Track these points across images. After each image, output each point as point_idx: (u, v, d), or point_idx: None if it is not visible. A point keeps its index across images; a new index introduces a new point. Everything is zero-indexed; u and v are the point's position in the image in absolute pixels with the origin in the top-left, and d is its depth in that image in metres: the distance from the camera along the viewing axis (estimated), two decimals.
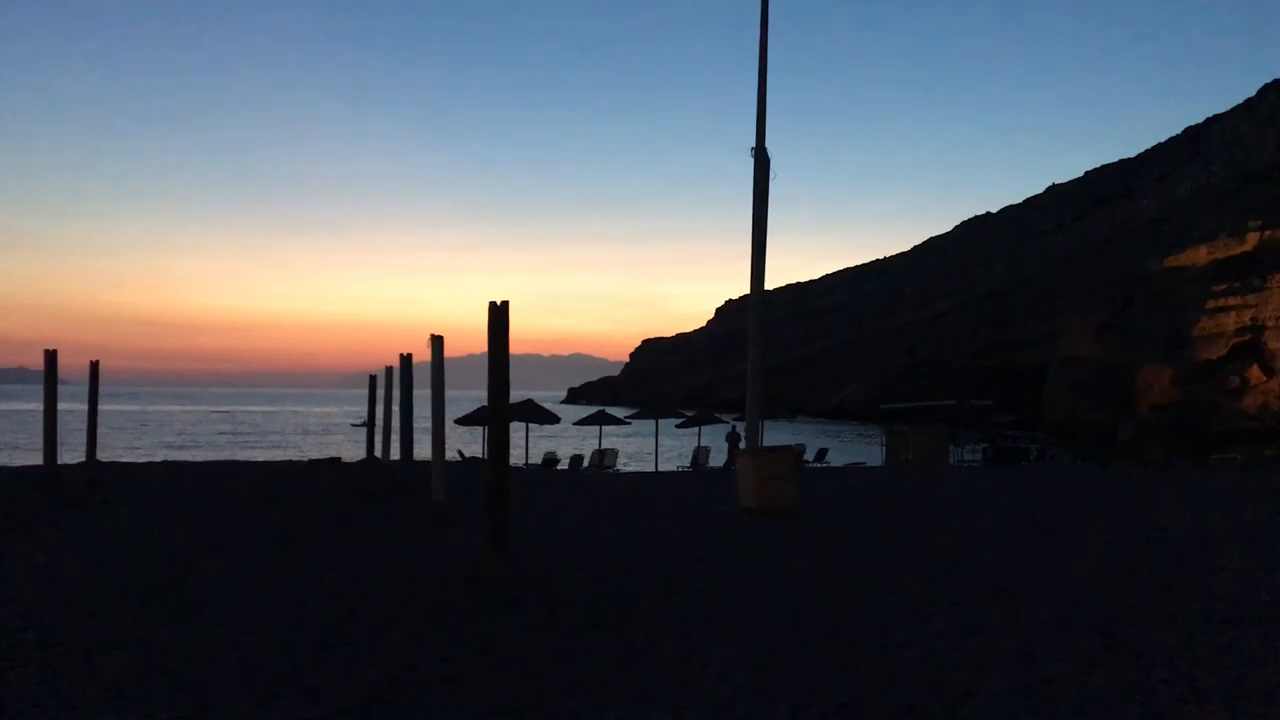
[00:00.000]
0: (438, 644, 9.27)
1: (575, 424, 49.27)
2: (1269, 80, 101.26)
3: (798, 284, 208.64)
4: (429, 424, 21.15)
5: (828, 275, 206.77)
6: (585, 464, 43.81)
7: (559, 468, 42.87)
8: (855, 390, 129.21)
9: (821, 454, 46.41)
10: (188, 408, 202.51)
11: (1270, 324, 68.43)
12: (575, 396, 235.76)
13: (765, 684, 7.98)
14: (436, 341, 19.96)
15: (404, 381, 24.67)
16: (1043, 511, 21.31)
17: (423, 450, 25.60)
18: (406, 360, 24.72)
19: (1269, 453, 47.65)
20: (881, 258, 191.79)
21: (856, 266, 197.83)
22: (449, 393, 21.30)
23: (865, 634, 9.71)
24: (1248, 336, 69.55)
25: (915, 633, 9.69)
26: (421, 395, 22.92)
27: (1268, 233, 72.01)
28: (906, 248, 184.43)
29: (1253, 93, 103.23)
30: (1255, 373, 68.25)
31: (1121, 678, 7.96)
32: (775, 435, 66.71)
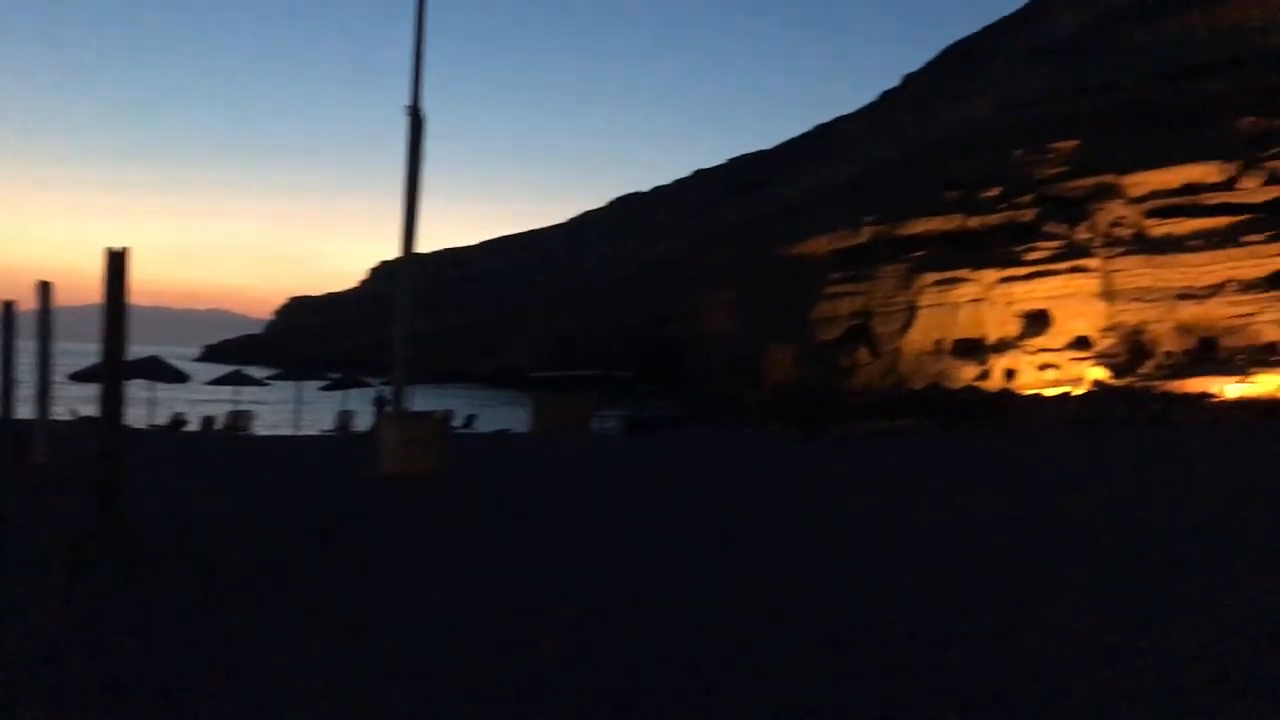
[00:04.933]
0: (39, 621, 8.39)
1: (208, 384, 46.30)
2: (888, 88, 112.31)
3: (456, 249, 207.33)
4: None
5: (487, 242, 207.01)
6: (218, 426, 41.38)
7: (188, 429, 40.16)
8: (510, 358, 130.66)
9: (469, 420, 46.59)
10: None
11: (878, 310, 76.30)
12: (214, 354, 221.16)
13: (412, 648, 7.88)
14: (43, 288, 18.02)
15: (4, 332, 22.04)
16: (672, 475, 22.55)
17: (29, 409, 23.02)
18: (9, 308, 22.10)
19: (885, 425, 52.94)
20: (539, 228, 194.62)
21: (515, 235, 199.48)
22: (65, 345, 19.32)
23: (508, 595, 9.83)
24: (860, 320, 77.21)
25: (557, 590, 9.94)
26: (28, 347, 20.60)
27: (880, 228, 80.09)
28: (563, 220, 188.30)
29: (874, 98, 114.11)
30: (864, 354, 75.93)
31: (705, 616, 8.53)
32: (426, 401, 65.94)
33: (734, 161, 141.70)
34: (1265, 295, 64.79)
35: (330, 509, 15.88)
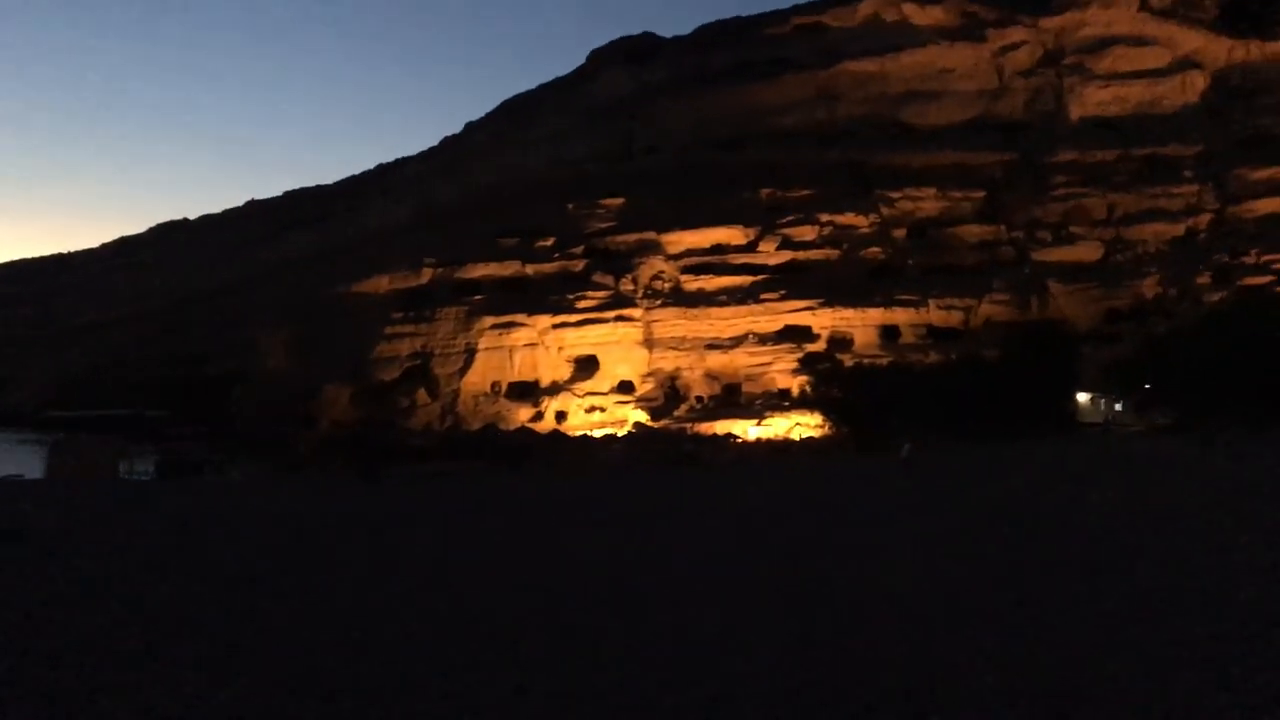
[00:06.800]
0: None
1: None
2: (448, 134, 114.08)
3: None
4: None
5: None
6: None
7: None
8: (25, 394, 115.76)
9: None
10: None
11: (438, 351, 76.70)
12: None
13: None
14: None
15: None
16: (198, 528, 21.04)
17: None
18: None
19: (429, 468, 52.74)
20: (66, 252, 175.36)
21: (35, 259, 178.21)
22: None
23: None
24: (419, 362, 77.14)
25: None
26: None
27: (440, 270, 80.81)
28: (95, 244, 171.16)
29: (435, 142, 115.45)
30: (422, 395, 75.91)
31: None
32: None
33: (291, 194, 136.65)
34: (779, 347, 73.19)
35: None
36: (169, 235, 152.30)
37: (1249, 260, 75.71)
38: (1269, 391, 42.29)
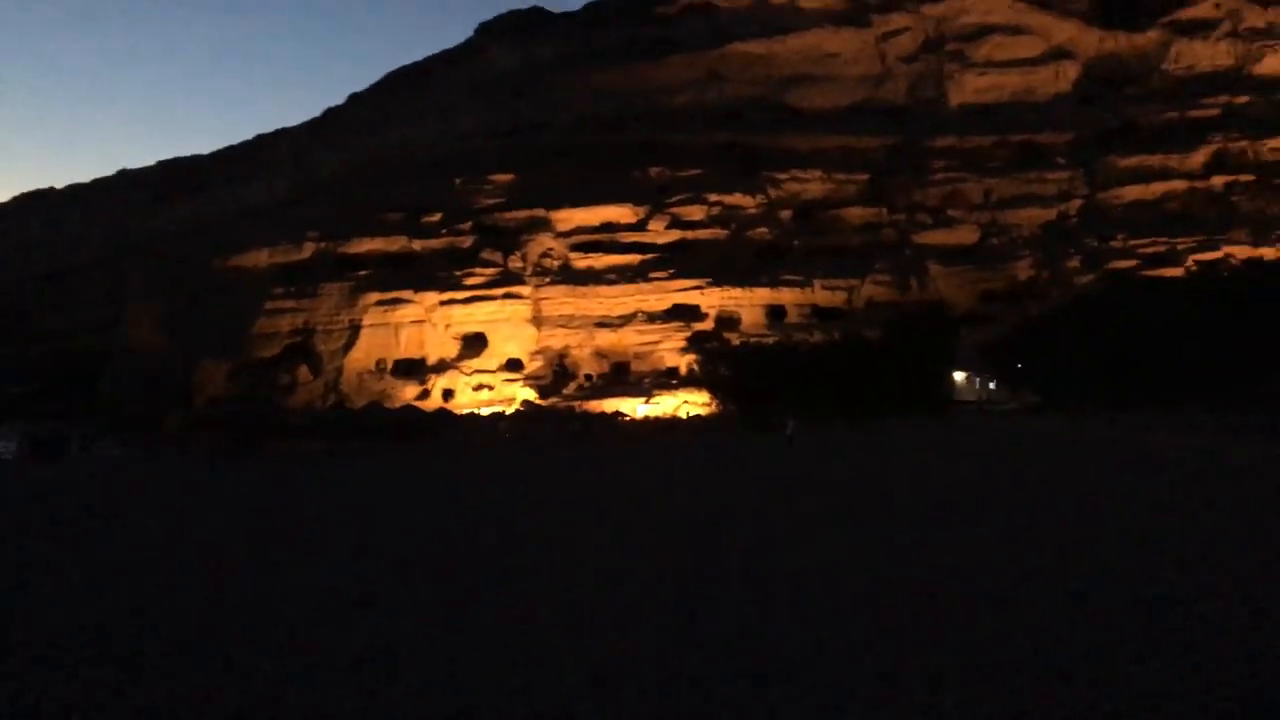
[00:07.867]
0: None
1: None
2: (331, 105, 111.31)
3: None
4: None
5: None
6: None
7: None
8: None
9: None
10: None
11: (320, 327, 74.88)
12: None
13: None
14: None
15: None
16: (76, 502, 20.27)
17: None
18: None
19: (309, 447, 51.65)
20: None
21: None
22: None
23: None
24: (300, 338, 75.21)
25: None
26: None
27: (323, 244, 78.78)
28: None
29: (318, 113, 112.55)
30: (304, 372, 74.10)
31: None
32: None
33: (165, 164, 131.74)
34: (667, 325, 73.51)
35: None
36: (33, 205, 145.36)
37: (1117, 245, 78.76)
38: (1131, 371, 44.30)
